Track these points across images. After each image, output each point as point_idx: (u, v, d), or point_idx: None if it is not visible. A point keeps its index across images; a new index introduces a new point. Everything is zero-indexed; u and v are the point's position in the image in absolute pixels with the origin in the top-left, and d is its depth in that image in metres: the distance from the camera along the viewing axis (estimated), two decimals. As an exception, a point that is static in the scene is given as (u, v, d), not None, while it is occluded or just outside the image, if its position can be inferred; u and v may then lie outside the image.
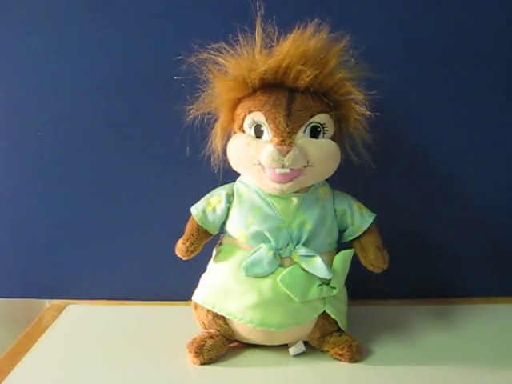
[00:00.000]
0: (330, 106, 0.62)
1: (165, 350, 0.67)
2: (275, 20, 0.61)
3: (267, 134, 0.61)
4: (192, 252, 0.66)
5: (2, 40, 0.76)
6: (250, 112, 0.62)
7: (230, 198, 0.66)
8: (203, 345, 0.64)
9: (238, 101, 0.64)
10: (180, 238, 0.67)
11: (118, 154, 0.78)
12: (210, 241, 0.68)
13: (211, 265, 0.68)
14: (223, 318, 0.65)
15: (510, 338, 0.70)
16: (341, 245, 0.67)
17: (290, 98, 0.61)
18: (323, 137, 0.62)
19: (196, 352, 0.63)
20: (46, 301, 0.84)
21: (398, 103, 0.75)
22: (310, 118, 0.61)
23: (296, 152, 0.59)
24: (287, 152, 0.59)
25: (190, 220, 0.67)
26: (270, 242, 0.63)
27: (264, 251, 0.62)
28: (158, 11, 0.74)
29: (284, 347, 0.66)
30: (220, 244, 0.68)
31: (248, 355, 0.66)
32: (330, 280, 0.63)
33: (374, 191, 0.73)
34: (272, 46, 0.61)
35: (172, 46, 0.68)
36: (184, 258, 0.66)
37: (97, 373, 0.63)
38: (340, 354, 0.64)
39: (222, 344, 0.65)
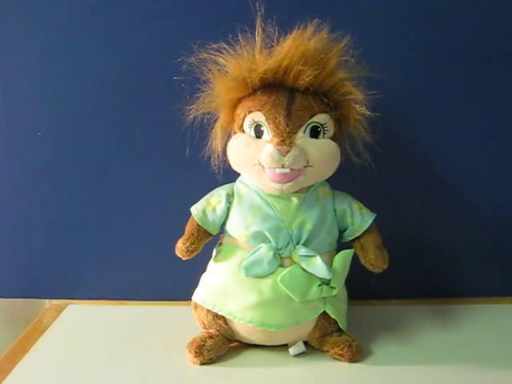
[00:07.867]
0: (330, 106, 0.62)
1: (165, 350, 0.67)
2: (275, 20, 0.61)
3: (267, 133, 0.61)
4: (192, 252, 0.66)
5: (2, 40, 0.76)
6: (250, 112, 0.62)
7: (230, 197, 0.66)
8: (203, 345, 0.64)
9: (238, 101, 0.64)
10: (180, 238, 0.67)
11: (117, 153, 0.78)
12: (210, 241, 0.68)
13: (211, 265, 0.68)
14: (223, 317, 0.65)
15: (510, 338, 0.70)
16: (341, 245, 0.67)
17: (290, 97, 0.61)
18: (323, 137, 0.62)
19: (196, 352, 0.63)
20: (46, 301, 0.84)
21: (398, 103, 0.75)
22: (310, 117, 0.61)
23: (296, 152, 0.59)
24: (287, 152, 0.59)
25: (190, 220, 0.67)
26: (270, 241, 0.63)
27: (264, 251, 0.62)
28: (158, 11, 0.74)
29: (284, 347, 0.66)
30: (220, 244, 0.68)
31: (248, 355, 0.66)
32: (330, 280, 0.63)
33: (374, 191, 0.73)
34: (272, 46, 0.61)
35: (172, 46, 0.68)
36: (184, 258, 0.67)
37: (97, 373, 0.63)
38: (340, 354, 0.64)
39: (221, 344, 0.65)
